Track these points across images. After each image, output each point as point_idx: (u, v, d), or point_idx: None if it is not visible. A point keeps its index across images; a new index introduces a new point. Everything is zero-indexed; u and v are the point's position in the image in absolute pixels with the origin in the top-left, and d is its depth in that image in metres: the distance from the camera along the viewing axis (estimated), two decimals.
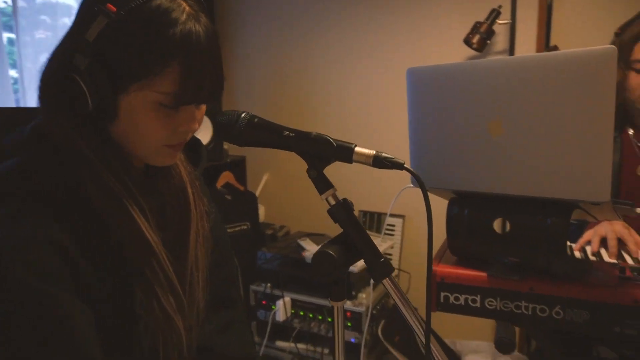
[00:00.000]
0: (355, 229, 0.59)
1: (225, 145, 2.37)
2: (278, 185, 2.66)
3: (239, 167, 2.55)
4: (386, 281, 0.58)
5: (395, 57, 2.23)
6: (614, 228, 1.17)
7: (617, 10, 1.80)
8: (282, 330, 2.06)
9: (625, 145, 1.40)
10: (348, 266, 0.59)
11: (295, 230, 2.46)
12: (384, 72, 2.26)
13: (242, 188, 2.38)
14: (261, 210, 2.51)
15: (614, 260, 1.09)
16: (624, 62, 1.30)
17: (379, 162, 0.57)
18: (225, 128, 0.63)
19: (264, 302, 2.06)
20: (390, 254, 2.27)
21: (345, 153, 0.58)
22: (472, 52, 1.95)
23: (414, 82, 1.01)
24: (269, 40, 2.52)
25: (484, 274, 1.00)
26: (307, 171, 0.60)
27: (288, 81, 2.52)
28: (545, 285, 0.95)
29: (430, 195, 1.21)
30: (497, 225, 0.97)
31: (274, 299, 2.02)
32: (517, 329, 1.13)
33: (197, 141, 0.79)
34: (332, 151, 0.58)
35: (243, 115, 0.62)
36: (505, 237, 0.96)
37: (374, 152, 0.57)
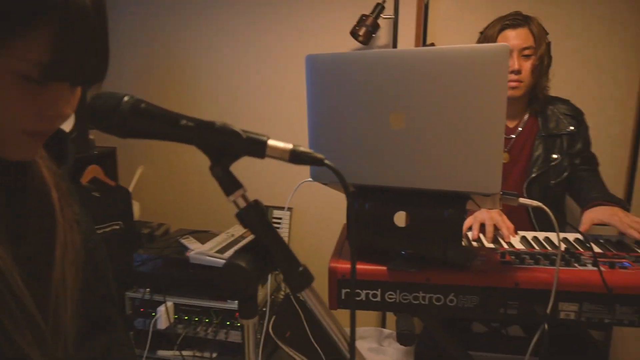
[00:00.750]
0: (269, 234, 0.51)
1: (92, 135, 2.08)
2: (154, 179, 2.43)
3: (108, 159, 2.26)
4: (306, 292, 0.51)
5: (281, 45, 2.16)
6: (490, 215, 1.26)
7: (484, 12, 1.97)
8: (164, 339, 1.88)
9: None
10: (262, 278, 0.51)
11: (176, 229, 2.27)
12: (273, 61, 2.19)
13: (112, 183, 2.11)
14: (136, 208, 2.26)
15: (492, 245, 1.18)
16: None
17: (297, 157, 0.50)
18: (101, 115, 0.49)
19: (142, 310, 1.86)
20: None
21: (256, 147, 0.50)
22: (358, 45, 1.98)
23: (313, 69, 0.95)
24: (145, 20, 2.27)
25: (384, 268, 1.00)
26: (211, 168, 0.50)
27: (166, 64, 2.30)
28: (441, 275, 0.98)
29: (327, 190, 1.19)
30: (397, 218, 0.96)
31: (154, 305, 1.83)
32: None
33: (62, 133, 0.63)
34: (242, 144, 0.49)
35: (125, 99, 0.50)
36: (405, 230, 0.97)
37: (291, 146, 0.50)
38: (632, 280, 0.94)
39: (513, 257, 1.04)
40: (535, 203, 0.92)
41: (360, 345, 2.23)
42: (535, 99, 1.52)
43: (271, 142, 0.50)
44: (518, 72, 1.42)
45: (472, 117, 0.85)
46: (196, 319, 1.84)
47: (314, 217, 2.27)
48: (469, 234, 1.26)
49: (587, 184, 1.47)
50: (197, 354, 1.87)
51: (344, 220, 1.37)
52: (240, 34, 2.20)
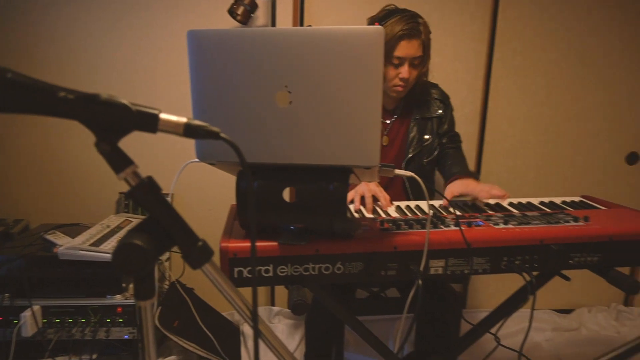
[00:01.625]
0: (166, 211, 0.50)
1: None
2: (6, 169, 2.12)
3: None
4: (206, 267, 0.51)
5: (160, 22, 2.03)
6: (369, 188, 1.37)
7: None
8: (33, 347, 1.68)
9: None
10: (159, 256, 0.50)
11: (37, 224, 2.02)
12: (153, 38, 2.04)
13: None
14: None
15: (371, 215, 1.29)
16: (385, 56, 1.50)
17: (192, 130, 0.49)
18: None
19: (0, 318, 1.64)
20: None
21: (148, 120, 0.48)
22: (236, 24, 1.94)
23: (195, 45, 0.92)
24: None
25: (274, 244, 1.03)
26: (96, 144, 0.47)
27: (36, 41, 2.00)
28: (329, 245, 1.04)
29: (208, 174, 1.17)
30: (286, 194, 0.99)
31: (16, 311, 1.63)
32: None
33: None
34: (131, 118, 0.47)
35: None
36: (294, 205, 1.00)
37: (185, 120, 0.49)
38: (485, 235, 1.10)
39: (391, 224, 1.15)
40: (408, 173, 1.02)
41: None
42: (412, 88, 1.61)
43: (164, 116, 0.48)
44: (407, 80, 1.51)
45: (350, 95, 0.91)
46: (70, 320, 1.68)
47: (195, 202, 2.20)
48: (351, 206, 1.35)
49: (451, 161, 1.65)
50: (74, 357, 1.72)
51: (226, 203, 1.36)
52: (115, 11, 2.01)
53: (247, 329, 2.18)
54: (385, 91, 1.57)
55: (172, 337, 1.82)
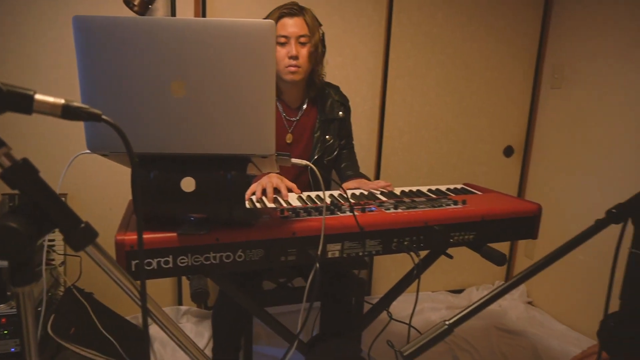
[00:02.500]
0: (43, 192, 0.49)
1: None
2: None
3: None
4: (90, 249, 0.51)
5: (46, 8, 1.88)
6: (271, 180, 1.41)
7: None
8: None
9: (276, 117, 1.68)
10: (38, 239, 0.49)
11: None
12: (41, 23, 1.88)
13: None
14: None
15: (272, 205, 1.33)
16: None
17: (71, 112, 0.49)
18: None
19: None
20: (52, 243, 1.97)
21: (21, 101, 0.47)
22: (134, 15, 1.87)
23: (82, 32, 0.89)
24: None
25: (173, 234, 1.03)
26: None
27: None
28: (229, 234, 1.07)
29: (112, 167, 1.12)
30: (184, 184, 1.00)
31: None
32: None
33: None
34: (3, 99, 0.46)
35: None
36: (192, 195, 1.01)
37: (63, 101, 0.49)
38: (377, 219, 1.19)
39: (290, 212, 1.20)
40: (303, 162, 1.08)
41: (156, 326, 2.18)
42: (312, 84, 1.69)
43: (39, 97, 0.48)
44: (296, 57, 1.56)
45: (245, 86, 0.94)
46: None
47: (95, 202, 2.09)
48: (253, 197, 1.38)
49: (345, 163, 1.78)
50: None
51: (126, 199, 1.33)
52: None
53: (153, 332, 2.11)
54: (284, 82, 1.62)
55: (68, 345, 1.71)
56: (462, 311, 0.76)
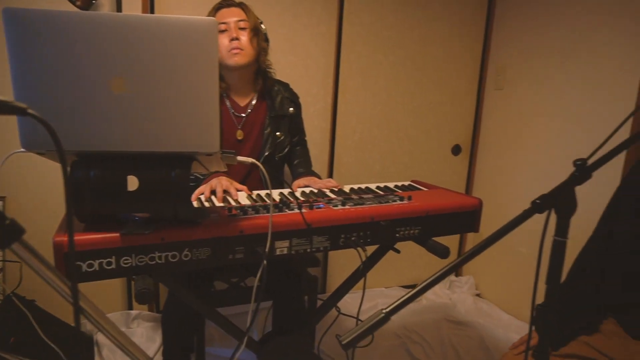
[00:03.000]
0: None
1: None
2: None
3: None
4: (17, 246, 0.50)
5: None
6: (220, 182, 1.40)
7: None
8: None
9: (224, 114, 1.67)
10: None
11: None
12: None
13: None
14: None
15: (221, 204, 1.32)
16: None
17: None
18: None
19: None
20: None
21: None
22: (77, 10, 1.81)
23: (13, 25, 0.86)
24: None
25: (116, 235, 1.01)
26: None
27: None
28: (174, 233, 1.05)
29: (53, 169, 1.09)
30: (127, 183, 0.98)
31: None
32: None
33: None
34: None
35: None
36: (135, 194, 0.99)
37: None
38: (324, 216, 1.21)
39: (238, 210, 1.20)
40: (249, 160, 1.08)
41: None
42: (259, 75, 1.71)
43: None
44: (237, 38, 1.59)
45: (187, 83, 0.93)
46: None
47: (35, 206, 1.99)
48: (202, 197, 1.37)
49: (298, 160, 1.81)
50: None
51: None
52: None
53: (101, 338, 2.04)
54: (230, 72, 1.64)
55: (6, 355, 1.63)
56: (397, 300, 0.79)
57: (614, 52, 1.91)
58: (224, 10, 1.63)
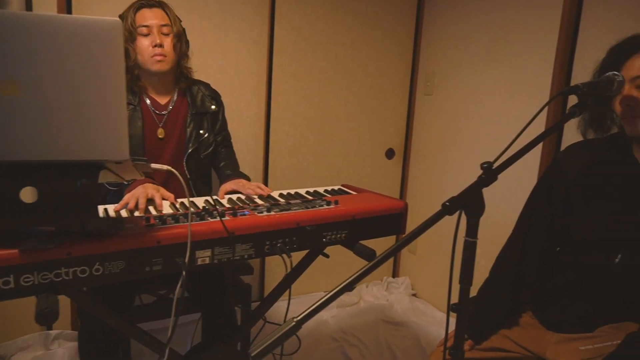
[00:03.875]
0: None
1: None
2: None
3: None
4: None
5: None
6: (145, 190, 1.34)
7: None
8: None
9: (145, 113, 1.61)
10: None
11: None
12: None
13: None
14: None
15: (141, 214, 1.26)
16: (132, 33, 1.55)
17: None
18: None
19: None
20: None
21: None
22: None
23: None
24: None
25: (14, 251, 0.92)
26: None
27: None
28: (83, 247, 0.98)
29: None
30: (24, 195, 0.90)
31: None
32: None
33: None
34: None
35: None
36: (35, 206, 0.92)
37: None
38: (248, 223, 1.19)
39: (157, 220, 1.15)
40: (164, 167, 1.04)
41: (23, 356, 1.96)
42: (181, 76, 1.69)
43: None
44: (161, 45, 1.55)
45: (92, 87, 0.88)
46: None
47: None
48: (123, 211, 1.30)
49: (224, 162, 1.77)
50: None
51: None
52: None
53: None
54: (150, 75, 1.60)
55: None
56: (309, 307, 0.78)
57: (530, 58, 2.04)
58: (146, 11, 1.56)
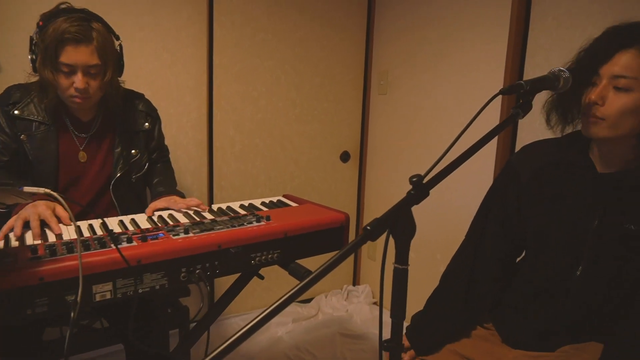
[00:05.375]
0: None
1: None
2: None
3: None
4: None
5: None
6: (37, 210, 1.15)
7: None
8: None
9: (62, 134, 1.41)
10: None
11: None
12: None
13: None
14: None
15: (38, 241, 1.08)
16: (52, 65, 1.27)
17: None
18: None
19: None
20: None
21: None
22: None
23: None
24: None
25: None
26: None
27: None
28: None
29: None
30: None
31: None
32: None
33: None
34: None
35: None
36: None
37: None
38: (159, 248, 1.03)
39: (46, 250, 0.97)
40: (41, 190, 0.86)
41: None
42: (110, 97, 1.44)
43: None
44: (84, 90, 1.30)
45: None
46: None
47: None
48: (12, 235, 1.11)
49: (158, 179, 1.60)
50: None
51: None
52: None
53: None
54: (67, 101, 1.38)
55: None
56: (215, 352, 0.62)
57: (482, 55, 1.94)
58: (72, 49, 1.26)
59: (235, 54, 2.22)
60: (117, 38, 1.42)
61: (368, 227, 0.71)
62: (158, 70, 2.05)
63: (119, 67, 1.44)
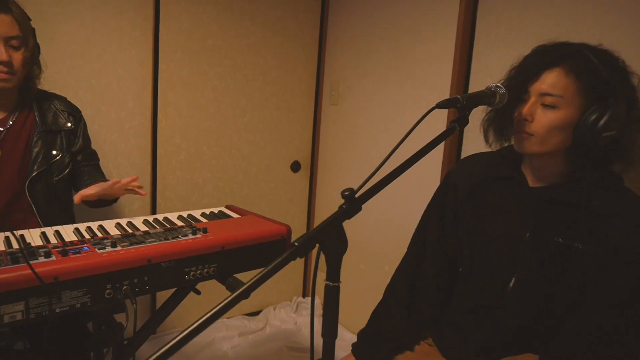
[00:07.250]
0: None
1: None
2: None
3: None
4: None
5: None
6: None
7: None
8: None
9: None
10: None
11: None
12: None
13: None
14: None
15: None
16: None
17: None
18: None
19: None
20: None
21: None
22: None
23: None
24: None
25: None
26: None
27: None
28: None
29: None
30: None
31: None
32: None
33: None
34: None
35: None
36: None
37: None
38: (78, 264, 0.95)
39: None
40: None
41: None
42: (27, 90, 1.42)
43: None
44: (8, 63, 1.28)
45: None
46: None
47: None
48: None
49: (87, 176, 1.51)
50: None
51: None
52: None
53: None
54: None
55: None
56: (160, 348, 0.57)
57: (429, 69, 1.98)
58: None
59: (183, 58, 2.15)
60: (29, 19, 1.37)
61: (296, 244, 0.68)
62: (99, 72, 1.95)
63: (37, 49, 1.40)
